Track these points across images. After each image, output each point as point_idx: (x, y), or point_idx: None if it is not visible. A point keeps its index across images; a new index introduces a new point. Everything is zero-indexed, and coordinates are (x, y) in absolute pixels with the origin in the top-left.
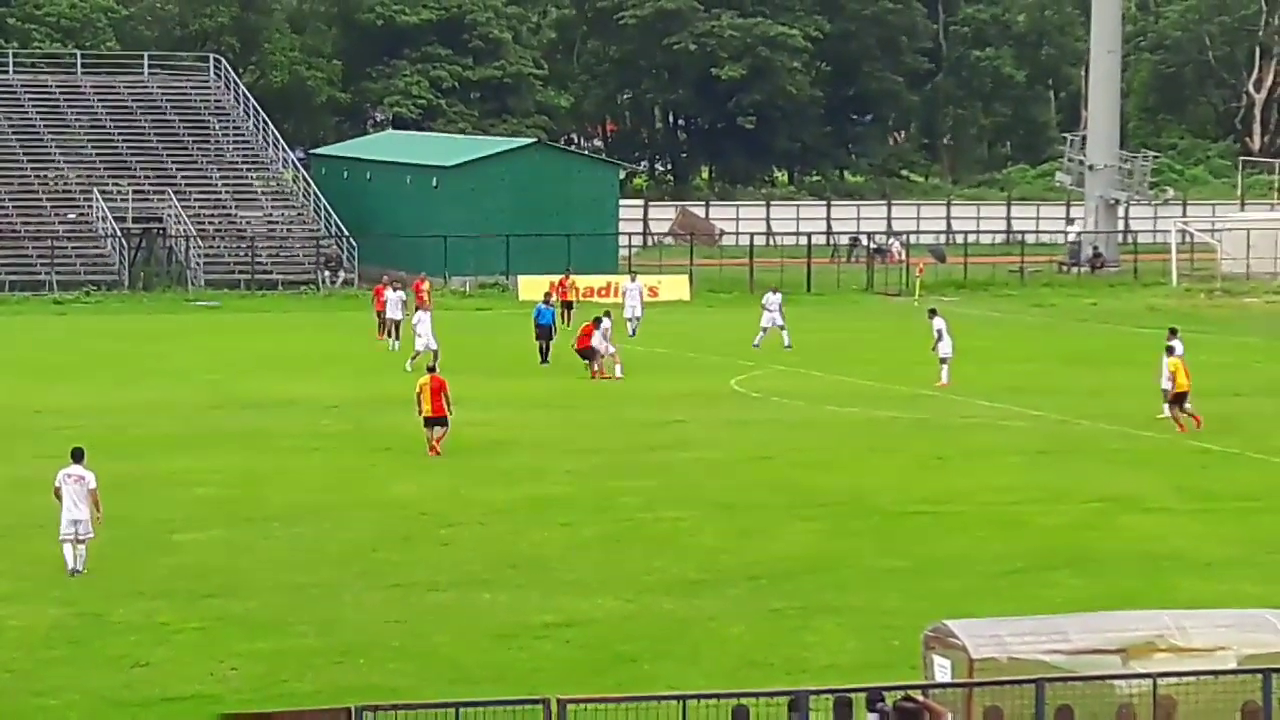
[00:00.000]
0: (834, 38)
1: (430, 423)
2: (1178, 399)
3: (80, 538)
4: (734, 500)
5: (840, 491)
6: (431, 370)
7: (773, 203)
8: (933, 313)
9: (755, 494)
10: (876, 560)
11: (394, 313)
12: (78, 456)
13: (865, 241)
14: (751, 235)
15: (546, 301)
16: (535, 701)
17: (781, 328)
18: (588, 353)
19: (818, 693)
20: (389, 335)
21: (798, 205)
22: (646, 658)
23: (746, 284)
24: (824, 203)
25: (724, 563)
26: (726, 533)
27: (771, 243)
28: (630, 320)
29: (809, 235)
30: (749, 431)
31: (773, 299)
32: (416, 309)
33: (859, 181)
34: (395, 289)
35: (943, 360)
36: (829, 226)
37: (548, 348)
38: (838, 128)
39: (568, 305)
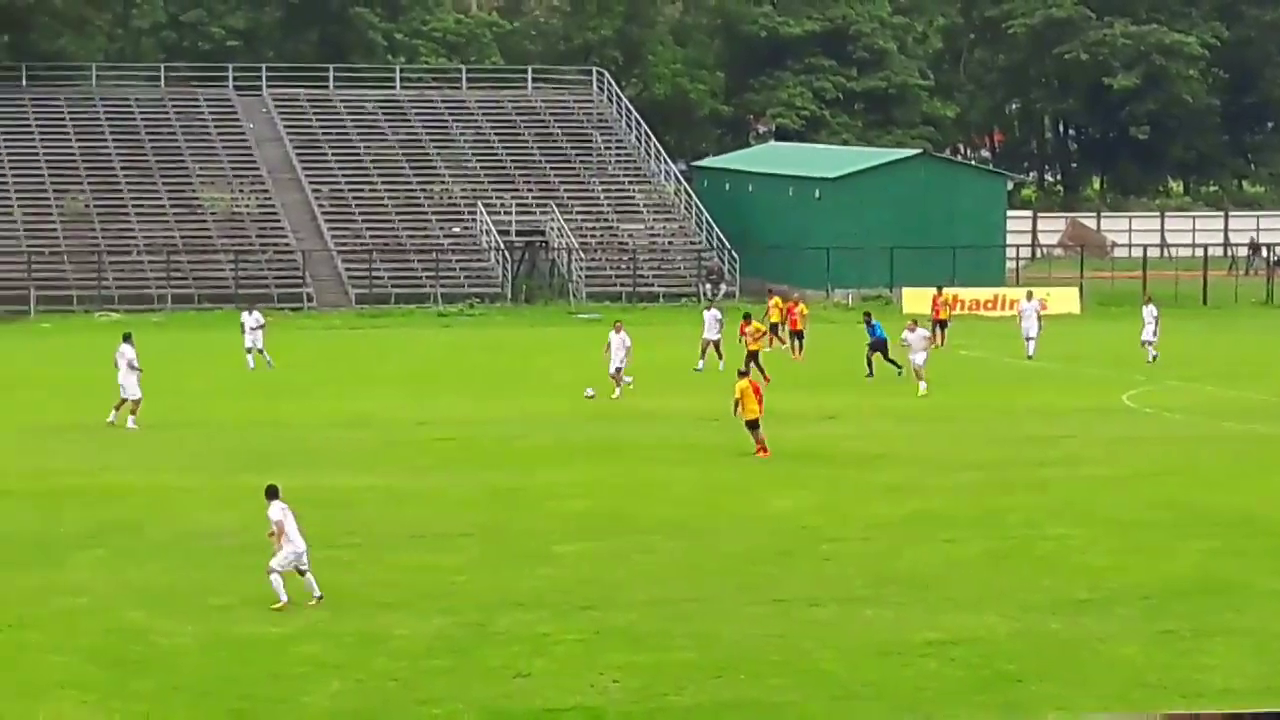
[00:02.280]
0: (1233, 44)
1: (754, 425)
2: None
3: (305, 567)
4: (1123, 518)
5: (1235, 511)
6: (744, 374)
7: (1167, 214)
8: None
9: (1146, 512)
10: (1276, 581)
11: (710, 333)
12: (275, 493)
13: (1265, 253)
14: (1145, 247)
15: (868, 321)
16: None
17: (1148, 342)
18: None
19: (1217, 716)
20: (703, 356)
21: (1193, 216)
22: (1032, 677)
23: (1139, 297)
24: (1221, 214)
25: (1113, 582)
26: (1116, 551)
27: (1165, 254)
28: (1028, 340)
29: (1205, 247)
30: (1140, 448)
31: (1148, 312)
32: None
33: (1258, 191)
34: (709, 309)
35: None
36: (1226, 238)
37: (872, 360)
38: (1236, 136)
39: (942, 324)
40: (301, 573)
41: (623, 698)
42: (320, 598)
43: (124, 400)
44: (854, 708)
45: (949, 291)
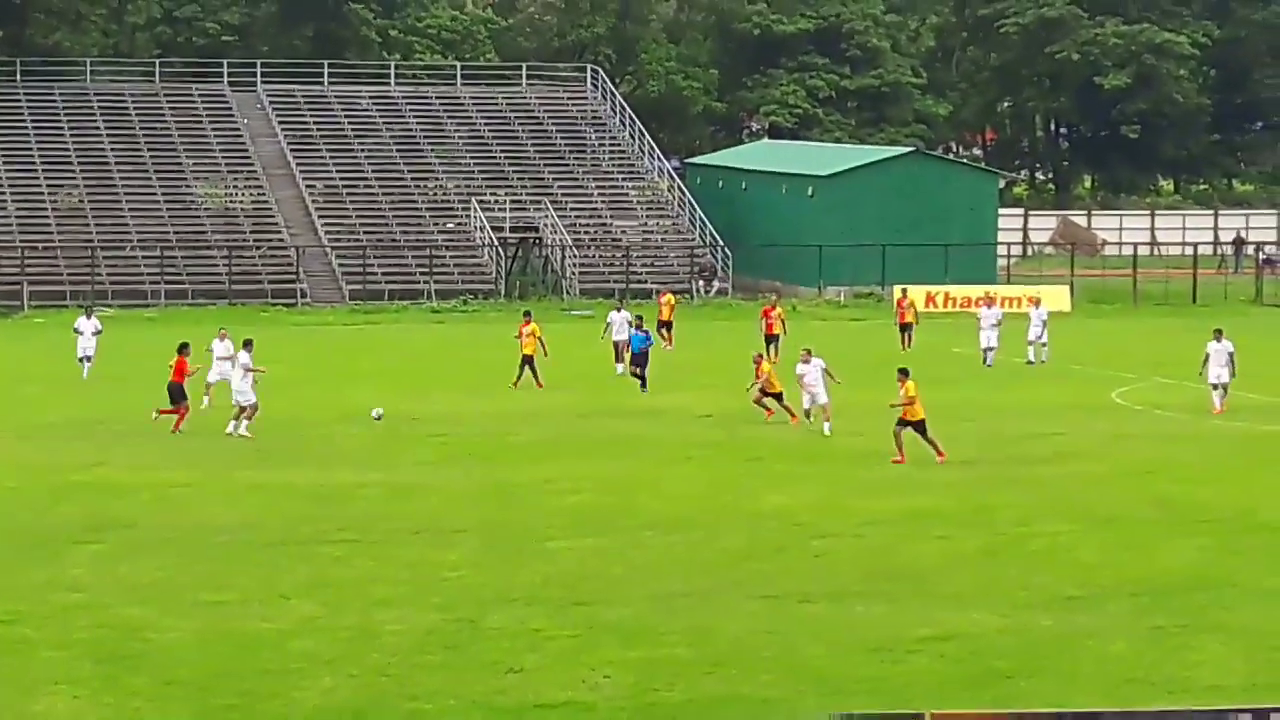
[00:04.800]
0: (1223, 44)
1: (779, 397)
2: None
3: None
4: (1114, 515)
5: (1227, 507)
6: (761, 357)
7: (1157, 212)
8: (1218, 334)
9: (1137, 509)
10: (1266, 579)
11: (620, 334)
12: None
13: (1253, 250)
14: (1135, 245)
15: (639, 327)
16: (910, 716)
17: (1037, 342)
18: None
19: (1201, 713)
20: (619, 360)
21: (1183, 215)
22: (1023, 674)
23: (1130, 295)
24: (1210, 212)
25: (1103, 579)
26: (1106, 548)
27: (1156, 253)
28: (987, 350)
29: (1195, 245)
30: (1130, 445)
31: (1036, 314)
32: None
33: (1248, 190)
34: (619, 309)
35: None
36: (1216, 236)
37: (641, 375)
38: (1226, 135)
39: (906, 327)
40: None
41: (615, 693)
42: None
43: (242, 408)
44: (845, 703)
45: (914, 294)
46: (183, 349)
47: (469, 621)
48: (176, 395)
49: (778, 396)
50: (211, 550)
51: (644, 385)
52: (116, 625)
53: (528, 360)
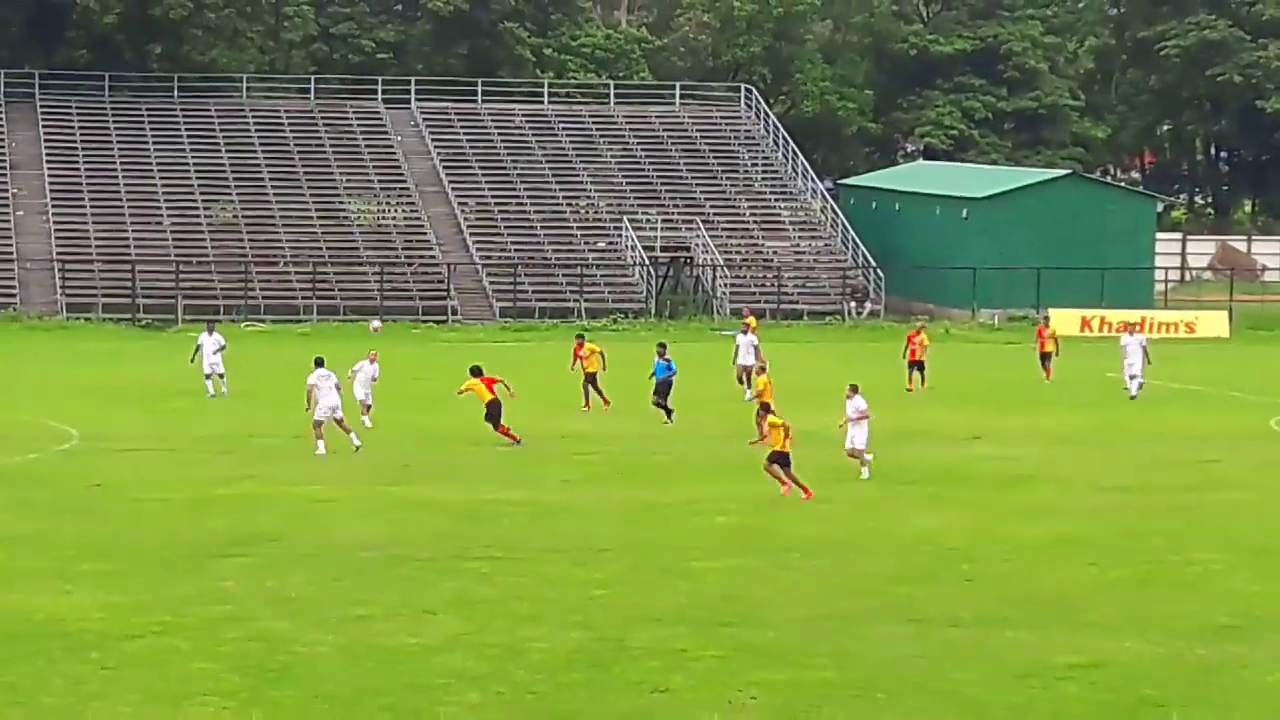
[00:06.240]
0: None
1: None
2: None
3: None
4: (1270, 544)
5: None
6: (768, 410)
7: None
8: None
9: None
10: None
11: (745, 359)
12: None
13: None
14: None
15: (661, 354)
16: None
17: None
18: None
19: None
20: (747, 384)
21: None
22: (1175, 704)
23: None
24: None
25: (1259, 608)
26: (1262, 577)
27: None
28: (1131, 379)
29: None
30: None
31: (1136, 340)
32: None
33: None
34: (744, 332)
35: None
36: None
37: (663, 405)
38: None
39: (1045, 356)
40: None
41: (761, 715)
42: None
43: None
44: None
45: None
46: (475, 371)
47: (614, 640)
48: (495, 413)
49: (765, 407)
50: (357, 565)
51: (669, 416)
52: (263, 638)
53: (590, 379)
